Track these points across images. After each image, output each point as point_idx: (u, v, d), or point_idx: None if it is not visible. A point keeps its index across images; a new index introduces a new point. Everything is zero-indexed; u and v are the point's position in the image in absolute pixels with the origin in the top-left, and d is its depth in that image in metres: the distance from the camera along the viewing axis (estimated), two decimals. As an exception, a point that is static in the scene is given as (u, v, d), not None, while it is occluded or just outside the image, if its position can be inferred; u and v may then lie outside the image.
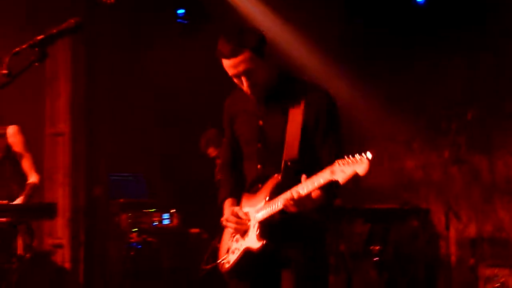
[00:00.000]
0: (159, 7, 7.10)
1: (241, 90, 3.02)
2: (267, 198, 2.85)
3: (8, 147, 4.30)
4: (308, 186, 2.67)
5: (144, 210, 6.47)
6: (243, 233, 2.92)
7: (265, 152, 2.98)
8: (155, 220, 6.49)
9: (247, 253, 2.87)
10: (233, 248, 2.97)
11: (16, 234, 3.90)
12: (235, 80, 2.97)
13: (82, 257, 6.40)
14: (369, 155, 2.50)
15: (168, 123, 7.34)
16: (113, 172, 6.76)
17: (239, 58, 2.86)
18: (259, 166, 2.99)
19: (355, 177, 2.53)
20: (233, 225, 2.93)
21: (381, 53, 6.95)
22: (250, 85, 2.92)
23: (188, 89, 7.13)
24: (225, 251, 3.01)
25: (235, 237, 2.97)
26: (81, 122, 6.55)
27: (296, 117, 2.91)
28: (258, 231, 2.84)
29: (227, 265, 2.96)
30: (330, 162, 2.61)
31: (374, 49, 6.93)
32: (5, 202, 3.88)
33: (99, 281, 6.41)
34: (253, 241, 2.85)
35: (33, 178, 4.41)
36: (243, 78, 2.91)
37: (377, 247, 5.81)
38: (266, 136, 2.99)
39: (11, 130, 4.29)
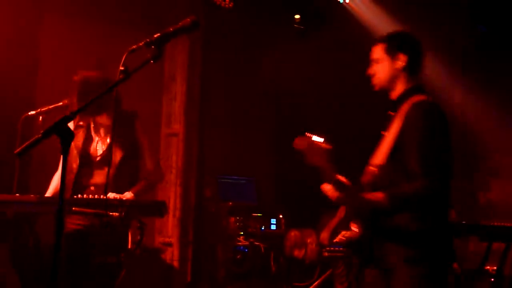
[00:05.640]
0: (275, 11, 7.10)
1: None
2: None
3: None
4: None
5: (253, 214, 6.48)
6: None
7: None
8: (263, 225, 6.49)
9: None
10: None
11: (128, 230, 3.97)
12: None
13: (190, 257, 6.49)
14: None
15: (282, 126, 7.31)
16: (224, 175, 6.82)
17: None
18: None
19: None
20: None
21: (508, 61, 6.57)
22: None
23: (303, 93, 7.07)
24: None
25: None
26: (195, 124, 6.66)
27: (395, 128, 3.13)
28: None
29: None
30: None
31: (499, 57, 6.57)
32: (117, 196, 3.95)
33: (206, 281, 6.47)
34: None
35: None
36: None
37: (494, 267, 5.48)
38: None
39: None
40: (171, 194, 6.56)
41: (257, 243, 6.31)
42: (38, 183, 5.35)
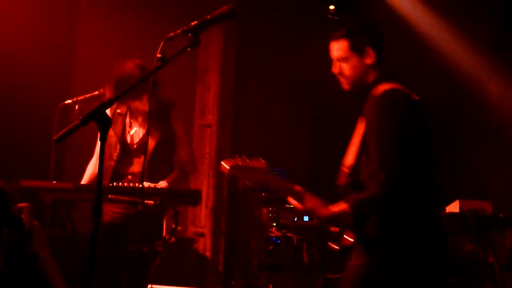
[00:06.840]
0: (311, 3, 7.04)
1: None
2: None
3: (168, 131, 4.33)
4: None
5: (286, 205, 6.46)
6: None
7: None
8: (296, 216, 6.46)
9: None
10: None
11: (162, 218, 4.00)
12: None
13: (223, 247, 6.51)
14: None
15: (317, 119, 7.26)
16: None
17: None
18: None
19: None
20: None
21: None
22: None
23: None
24: None
25: None
26: (228, 115, 6.67)
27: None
28: None
29: None
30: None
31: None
32: (152, 185, 3.97)
33: (239, 272, 6.49)
34: None
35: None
36: None
37: (531, 262, 5.38)
38: None
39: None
40: (204, 184, 6.58)
41: (289, 234, 6.29)
42: (73, 171, 5.43)
